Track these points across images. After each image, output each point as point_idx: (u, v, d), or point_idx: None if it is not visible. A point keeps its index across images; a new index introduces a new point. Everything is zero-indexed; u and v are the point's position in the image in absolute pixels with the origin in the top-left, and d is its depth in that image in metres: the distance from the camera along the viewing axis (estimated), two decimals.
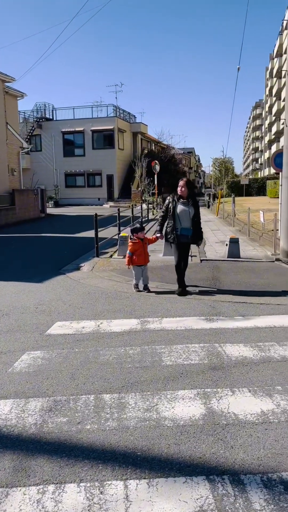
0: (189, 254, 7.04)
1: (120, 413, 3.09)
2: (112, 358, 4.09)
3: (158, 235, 6.71)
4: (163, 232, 6.66)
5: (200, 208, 6.78)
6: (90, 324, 5.16)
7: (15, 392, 3.44)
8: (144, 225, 16.94)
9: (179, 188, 6.50)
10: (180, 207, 6.44)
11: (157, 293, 6.67)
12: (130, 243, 6.81)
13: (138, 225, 7.10)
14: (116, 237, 12.06)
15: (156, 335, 4.74)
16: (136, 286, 6.83)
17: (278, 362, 3.96)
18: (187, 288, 6.70)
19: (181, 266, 6.64)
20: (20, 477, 2.41)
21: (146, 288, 6.77)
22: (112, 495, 2.25)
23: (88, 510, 2.15)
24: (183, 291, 6.56)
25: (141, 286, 6.82)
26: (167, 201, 6.67)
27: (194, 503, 2.19)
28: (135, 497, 2.23)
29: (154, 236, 6.90)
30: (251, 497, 2.23)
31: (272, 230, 11.02)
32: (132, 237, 6.83)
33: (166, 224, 6.63)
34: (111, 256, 10.39)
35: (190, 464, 2.51)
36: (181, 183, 6.54)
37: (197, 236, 6.61)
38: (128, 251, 6.81)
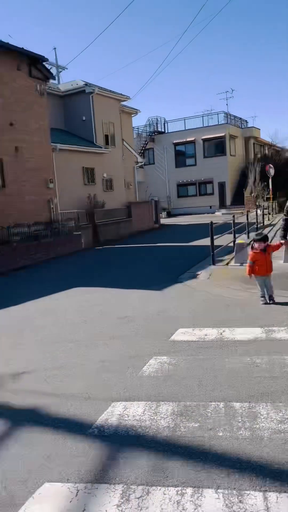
0: None
1: (252, 422, 3.02)
2: (239, 367, 4.03)
3: (283, 241, 6.50)
4: None
5: None
6: (212, 332, 5.16)
7: (146, 395, 3.58)
8: (262, 231, 16.40)
9: None
10: None
11: (283, 304, 6.31)
12: (251, 252, 6.47)
13: (261, 234, 6.56)
14: (231, 244, 11.90)
15: (283, 345, 4.54)
16: (263, 297, 6.40)
17: None
18: None
19: None
20: (159, 477, 2.50)
21: (271, 298, 6.36)
22: (252, 505, 2.21)
23: None
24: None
25: (267, 297, 6.39)
26: None
27: None
28: (277, 510, 2.16)
29: (278, 243, 6.62)
30: None
31: None
32: (254, 245, 6.42)
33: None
34: (227, 263, 10.26)
35: None
36: None
37: None
38: (248, 260, 6.49)
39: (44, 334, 5.68)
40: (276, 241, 6.68)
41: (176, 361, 4.29)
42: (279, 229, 19.72)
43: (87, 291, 8.29)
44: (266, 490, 2.32)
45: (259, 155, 39.89)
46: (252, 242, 6.52)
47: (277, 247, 6.58)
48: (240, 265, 9.74)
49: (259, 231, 6.67)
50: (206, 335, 5.06)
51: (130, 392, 3.67)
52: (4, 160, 14.05)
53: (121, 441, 2.92)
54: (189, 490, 2.36)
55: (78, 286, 8.82)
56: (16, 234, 13.53)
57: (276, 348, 4.48)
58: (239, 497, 2.28)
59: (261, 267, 6.30)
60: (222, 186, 37.89)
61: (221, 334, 5.06)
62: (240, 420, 3.06)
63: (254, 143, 42.98)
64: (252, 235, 6.49)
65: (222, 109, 51.17)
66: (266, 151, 45.74)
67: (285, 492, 2.29)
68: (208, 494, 2.32)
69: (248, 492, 2.32)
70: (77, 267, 12.26)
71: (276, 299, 6.38)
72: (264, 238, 6.38)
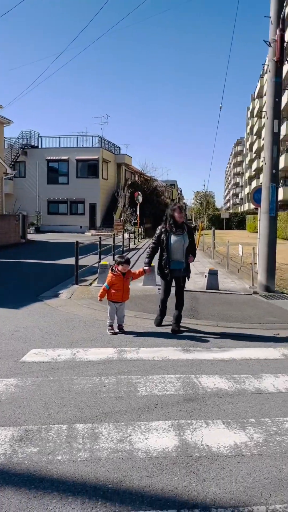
0: (183, 289, 6.37)
1: (93, 443, 3.04)
2: (87, 388, 4.04)
3: (146, 268, 6.17)
4: (157, 265, 6.21)
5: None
6: (66, 352, 5.10)
7: None
8: (126, 254, 17.02)
9: (174, 214, 5.94)
10: (173, 238, 5.94)
11: (132, 333, 6.17)
12: (110, 274, 6.06)
13: (124, 258, 6.13)
14: (96, 265, 12.09)
15: (133, 365, 4.71)
16: (111, 327, 6.05)
17: (253, 394, 3.98)
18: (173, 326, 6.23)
19: (166, 301, 6.35)
20: None
21: (120, 329, 6.09)
22: None
23: None
24: (176, 326, 6.19)
25: (115, 326, 6.11)
26: (158, 231, 6.11)
27: None
28: None
29: (141, 270, 6.26)
30: None
31: (250, 264, 11.22)
32: (113, 268, 6.08)
33: (158, 256, 6.18)
34: (90, 284, 10.36)
35: (161, 497, 2.47)
36: (174, 208, 5.98)
37: (188, 269, 6.18)
38: (105, 283, 6.11)
39: None
40: (139, 267, 6.70)
41: (23, 383, 4.11)
42: (143, 253, 20.74)
43: None
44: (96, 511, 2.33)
45: (129, 182, 41.71)
46: (113, 265, 6.20)
47: (140, 274, 6.30)
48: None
49: (123, 254, 6.37)
50: (59, 355, 4.98)
51: None
52: None
53: None
54: None
55: None
56: None
57: (125, 368, 4.62)
58: None
59: (117, 292, 6.01)
60: (93, 207, 38.50)
61: (74, 354, 5.04)
62: (81, 442, 3.05)
63: (125, 170, 44.86)
64: (117, 257, 6.13)
65: (97, 133, 52.53)
66: (136, 179, 48.11)
67: (114, 511, 2.33)
68: None
69: None
70: None
71: (130, 322, 6.60)
72: (127, 262, 6.08)
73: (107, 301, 6.15)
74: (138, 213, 32.22)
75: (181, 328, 6.26)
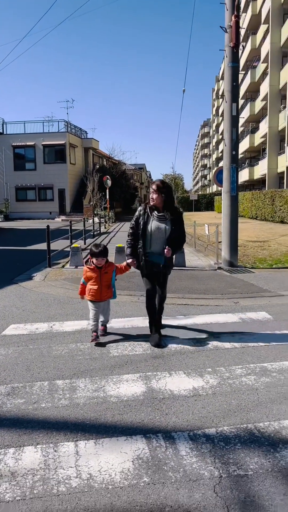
0: (166, 284, 5.06)
1: (72, 394, 3.52)
2: (64, 352, 4.51)
3: (129, 260, 4.85)
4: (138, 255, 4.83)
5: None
6: (43, 326, 5.54)
7: None
8: (96, 239, 17.30)
9: (152, 195, 4.69)
10: (154, 224, 4.67)
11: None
12: (84, 268, 5.01)
13: (99, 247, 4.89)
14: (68, 249, 12.48)
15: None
16: (95, 332, 4.84)
17: (211, 350, 4.55)
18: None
19: (153, 302, 4.95)
20: None
21: (102, 330, 5.05)
22: (65, 452, 2.69)
23: (44, 463, 2.57)
24: (159, 338, 4.79)
25: (99, 331, 4.96)
26: (137, 212, 4.85)
27: (132, 453, 2.67)
28: (84, 452, 2.68)
29: (124, 264, 5.01)
30: (179, 447, 2.74)
31: (216, 242, 11.84)
32: (88, 260, 5.04)
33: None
34: (63, 266, 10.74)
35: (131, 427, 2.99)
36: (152, 188, 4.71)
37: (170, 264, 4.91)
38: (82, 278, 5.03)
39: None
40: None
41: (6, 352, 4.54)
42: (114, 236, 21.00)
43: None
44: (77, 440, 2.82)
45: (97, 166, 41.70)
46: (87, 256, 5.10)
47: (125, 269, 5.02)
48: (75, 268, 10.33)
49: (98, 243, 5.16)
50: (37, 328, 5.41)
51: None
52: None
53: None
54: (11, 450, 2.71)
55: None
56: None
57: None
58: (55, 448, 2.73)
59: (95, 290, 4.86)
60: (62, 193, 38.40)
61: (51, 327, 5.48)
62: (61, 393, 3.53)
63: (93, 154, 44.70)
64: (91, 247, 4.99)
65: (63, 118, 51.85)
66: (105, 163, 47.99)
67: (92, 439, 2.83)
68: (28, 450, 2.71)
69: (62, 443, 2.79)
70: None
71: None
72: (103, 254, 4.85)
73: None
74: (107, 197, 32.45)
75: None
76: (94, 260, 4.89)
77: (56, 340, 4.96)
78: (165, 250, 4.65)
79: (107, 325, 5.23)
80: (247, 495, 2.28)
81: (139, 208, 4.88)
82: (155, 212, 4.73)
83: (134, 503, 2.24)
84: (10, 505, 2.22)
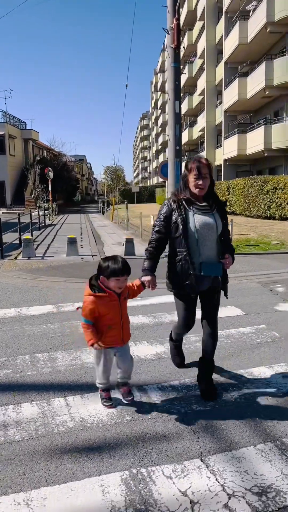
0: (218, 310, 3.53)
1: (52, 363, 4.03)
2: (37, 332, 4.97)
3: (148, 278, 3.40)
4: (167, 275, 3.64)
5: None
6: (10, 311, 5.92)
7: None
8: (43, 231, 17.33)
9: (188, 178, 3.26)
10: (198, 220, 3.23)
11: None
12: (89, 298, 3.09)
13: (118, 262, 3.10)
14: (17, 241, 12.73)
15: (71, 315, 5.69)
16: (108, 395, 3.25)
17: (168, 324, 5.22)
18: None
19: (182, 335, 3.77)
20: None
21: (127, 391, 3.27)
22: (57, 404, 3.22)
23: (42, 413, 3.09)
24: (212, 392, 3.33)
25: (120, 393, 3.35)
26: (165, 208, 3.35)
27: (115, 403, 3.25)
28: (74, 404, 3.23)
29: (137, 282, 3.39)
30: (151, 395, 3.37)
31: None
32: (94, 284, 3.13)
33: (168, 256, 3.54)
34: (15, 258, 10.97)
35: None
36: (194, 169, 3.18)
37: (226, 276, 3.43)
38: (82, 317, 3.13)
39: None
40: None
41: None
42: (60, 228, 20.92)
43: None
44: (66, 396, 3.36)
45: (38, 157, 41.12)
46: (94, 278, 3.18)
47: (138, 290, 3.41)
48: (27, 259, 10.61)
49: (109, 255, 3.28)
50: (5, 313, 5.79)
51: None
52: None
53: None
54: (10, 407, 3.20)
55: None
56: None
57: (66, 317, 5.59)
58: (48, 403, 3.25)
59: (116, 331, 3.11)
60: (1, 185, 37.57)
61: (18, 312, 5.87)
62: (43, 364, 4.02)
63: (33, 145, 43.98)
64: (102, 262, 3.17)
65: (1, 108, 50.24)
66: (45, 154, 47.31)
67: (78, 395, 3.38)
68: (26, 406, 3.21)
69: (53, 399, 3.31)
70: None
71: (61, 286, 7.48)
72: (128, 268, 3.12)
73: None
74: (50, 189, 32.27)
75: None
76: (112, 282, 3.07)
77: (26, 322, 5.39)
78: (226, 259, 3.29)
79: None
80: (207, 423, 2.96)
81: (166, 202, 3.38)
82: (196, 203, 3.27)
83: (122, 433, 2.83)
84: (21, 443, 2.73)
